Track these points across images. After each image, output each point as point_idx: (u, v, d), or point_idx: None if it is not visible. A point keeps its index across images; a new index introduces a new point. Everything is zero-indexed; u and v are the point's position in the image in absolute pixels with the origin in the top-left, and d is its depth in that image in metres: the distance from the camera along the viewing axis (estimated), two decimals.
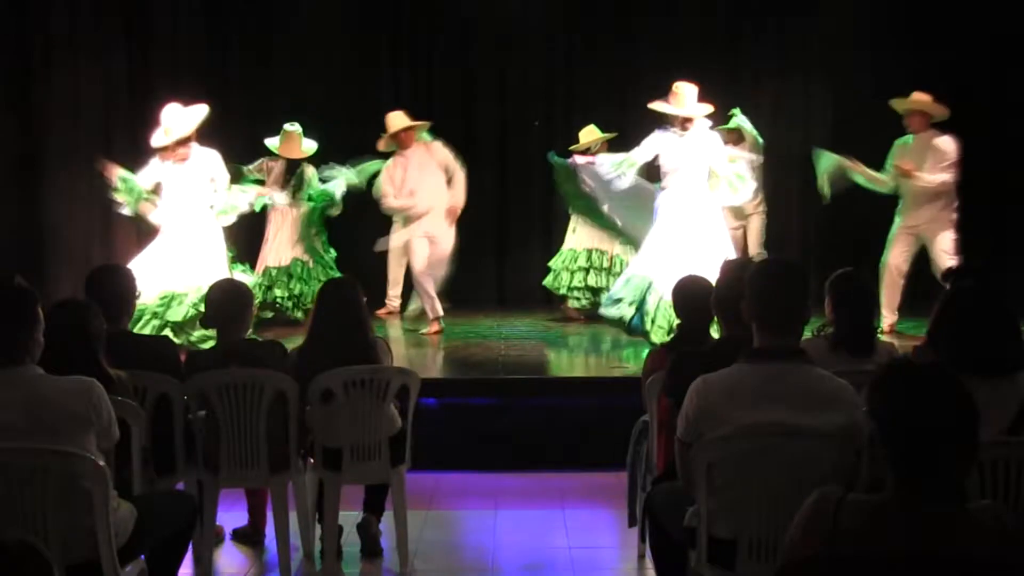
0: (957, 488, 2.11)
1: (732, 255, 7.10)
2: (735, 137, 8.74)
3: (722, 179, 7.40)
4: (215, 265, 7.42)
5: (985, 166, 8.71)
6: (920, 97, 7.68)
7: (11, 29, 8.73)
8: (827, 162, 7.74)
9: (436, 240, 8.13)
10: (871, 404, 2.15)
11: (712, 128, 7.54)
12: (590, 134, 8.87)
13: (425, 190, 8.14)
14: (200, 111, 7.49)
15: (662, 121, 7.46)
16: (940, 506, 2.06)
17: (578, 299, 8.86)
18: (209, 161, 7.58)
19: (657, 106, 7.39)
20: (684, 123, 7.30)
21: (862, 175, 7.71)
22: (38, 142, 8.82)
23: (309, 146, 8.57)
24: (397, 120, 8.17)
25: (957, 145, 7.54)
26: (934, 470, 2.07)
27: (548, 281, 9.06)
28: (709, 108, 7.43)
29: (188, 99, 7.64)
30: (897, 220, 7.83)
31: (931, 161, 7.57)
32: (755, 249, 8.77)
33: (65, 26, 9.03)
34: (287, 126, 8.47)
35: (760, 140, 8.50)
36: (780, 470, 2.92)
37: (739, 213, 8.67)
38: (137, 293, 4.51)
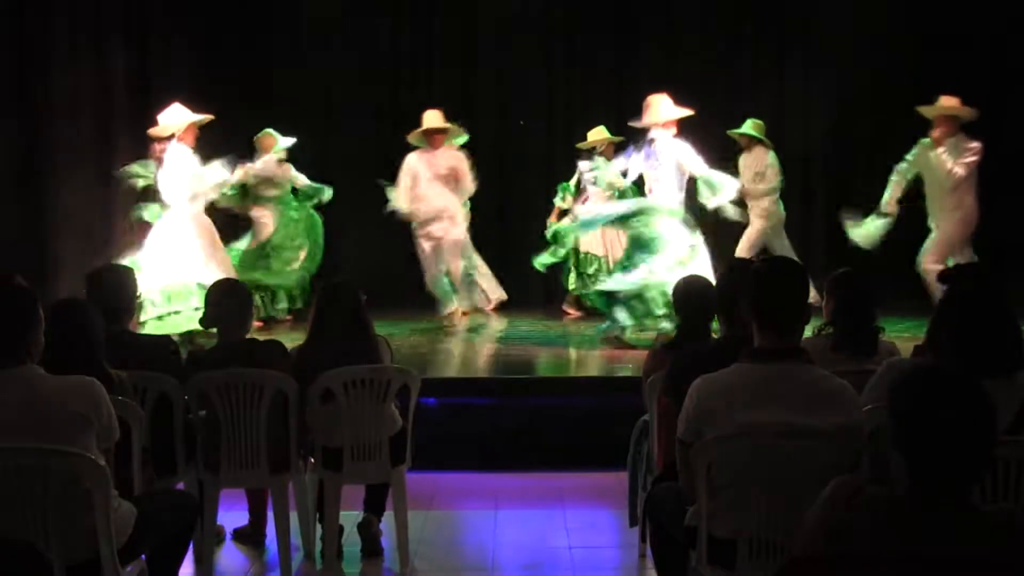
0: (970, 489, 2.11)
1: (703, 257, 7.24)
2: (745, 141, 8.78)
3: (700, 180, 7.47)
4: (194, 263, 7.47)
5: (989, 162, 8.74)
6: (949, 102, 7.59)
7: (11, 29, 8.73)
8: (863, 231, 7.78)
9: (442, 241, 8.24)
10: (892, 406, 2.15)
11: (727, 132, 7.62)
12: (598, 134, 8.96)
13: (437, 194, 8.19)
14: (183, 115, 7.58)
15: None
16: (954, 507, 2.06)
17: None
18: (174, 158, 7.59)
19: (633, 122, 7.56)
20: (646, 134, 7.46)
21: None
22: (38, 142, 8.82)
23: (285, 143, 8.60)
24: (430, 119, 8.21)
25: (980, 146, 7.50)
26: (952, 472, 2.07)
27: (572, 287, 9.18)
28: (674, 115, 7.48)
29: (188, 99, 7.68)
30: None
31: (955, 159, 7.52)
32: (745, 252, 8.74)
33: (65, 26, 9.03)
34: (260, 134, 8.58)
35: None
36: (780, 470, 2.92)
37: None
38: (138, 293, 4.51)
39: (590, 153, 8.97)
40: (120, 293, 4.33)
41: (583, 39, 10.34)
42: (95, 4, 9.19)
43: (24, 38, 8.93)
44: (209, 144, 7.74)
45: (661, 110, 7.46)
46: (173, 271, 7.42)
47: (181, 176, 7.56)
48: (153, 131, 7.70)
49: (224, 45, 10.00)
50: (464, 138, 8.45)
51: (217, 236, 7.87)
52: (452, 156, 8.33)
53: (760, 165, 8.70)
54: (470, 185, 8.39)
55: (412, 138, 8.33)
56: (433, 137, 8.22)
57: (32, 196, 8.67)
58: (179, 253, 7.48)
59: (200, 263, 7.43)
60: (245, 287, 4.77)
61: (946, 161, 7.50)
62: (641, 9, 10.15)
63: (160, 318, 7.23)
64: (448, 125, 8.27)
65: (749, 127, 8.70)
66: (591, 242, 9.07)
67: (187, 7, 9.79)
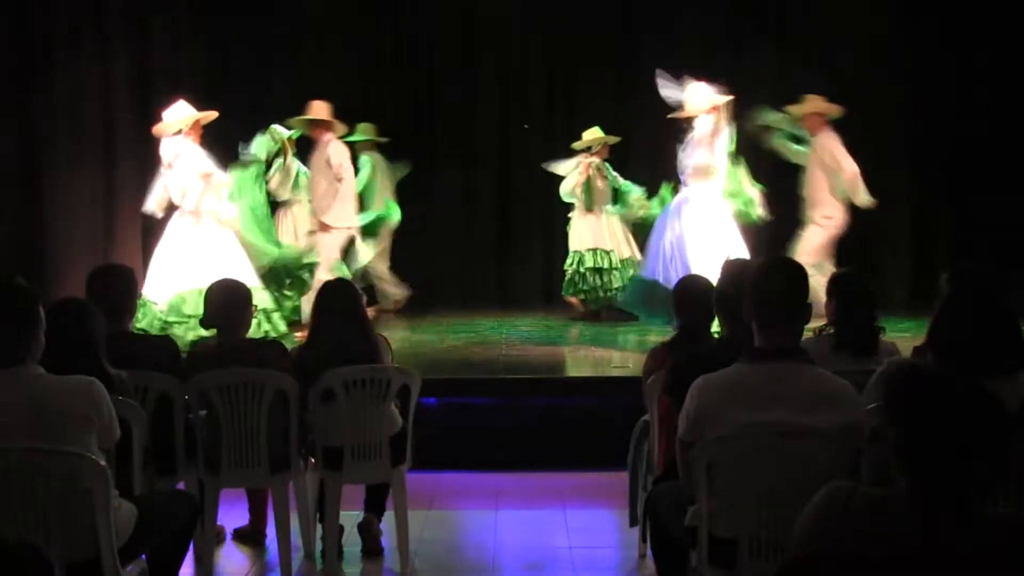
0: (971, 489, 2.11)
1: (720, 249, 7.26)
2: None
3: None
4: (202, 271, 7.17)
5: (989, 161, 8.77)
6: (815, 100, 7.97)
7: (11, 29, 8.72)
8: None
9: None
10: (893, 409, 2.14)
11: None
12: (593, 134, 8.97)
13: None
14: (189, 111, 7.51)
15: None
16: (955, 508, 2.06)
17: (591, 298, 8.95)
18: (186, 155, 7.49)
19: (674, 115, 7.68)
20: (687, 123, 7.50)
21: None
22: (39, 142, 8.81)
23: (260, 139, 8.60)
24: (314, 109, 8.18)
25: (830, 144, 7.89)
26: (953, 474, 2.07)
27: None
28: (715, 102, 7.51)
29: (189, 98, 7.68)
30: None
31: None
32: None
33: (66, 26, 9.03)
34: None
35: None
36: (780, 470, 2.92)
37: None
38: (138, 293, 4.51)
39: (586, 153, 8.98)
40: (120, 293, 4.33)
41: (583, 39, 10.34)
42: (95, 4, 9.19)
43: (24, 37, 8.93)
44: (210, 145, 7.71)
45: (692, 102, 7.51)
46: (181, 280, 7.24)
47: (193, 172, 7.41)
48: (157, 128, 7.57)
49: (224, 44, 10.00)
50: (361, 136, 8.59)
51: (235, 239, 7.61)
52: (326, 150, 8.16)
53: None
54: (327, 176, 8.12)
55: (296, 123, 8.28)
56: (314, 128, 8.15)
57: (32, 196, 8.66)
58: (188, 260, 7.29)
59: (209, 270, 7.13)
60: (245, 287, 4.75)
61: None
62: (641, 9, 10.16)
63: (163, 329, 7.03)
64: (329, 118, 8.15)
65: None
66: (601, 238, 8.96)
67: (187, 6, 9.79)
